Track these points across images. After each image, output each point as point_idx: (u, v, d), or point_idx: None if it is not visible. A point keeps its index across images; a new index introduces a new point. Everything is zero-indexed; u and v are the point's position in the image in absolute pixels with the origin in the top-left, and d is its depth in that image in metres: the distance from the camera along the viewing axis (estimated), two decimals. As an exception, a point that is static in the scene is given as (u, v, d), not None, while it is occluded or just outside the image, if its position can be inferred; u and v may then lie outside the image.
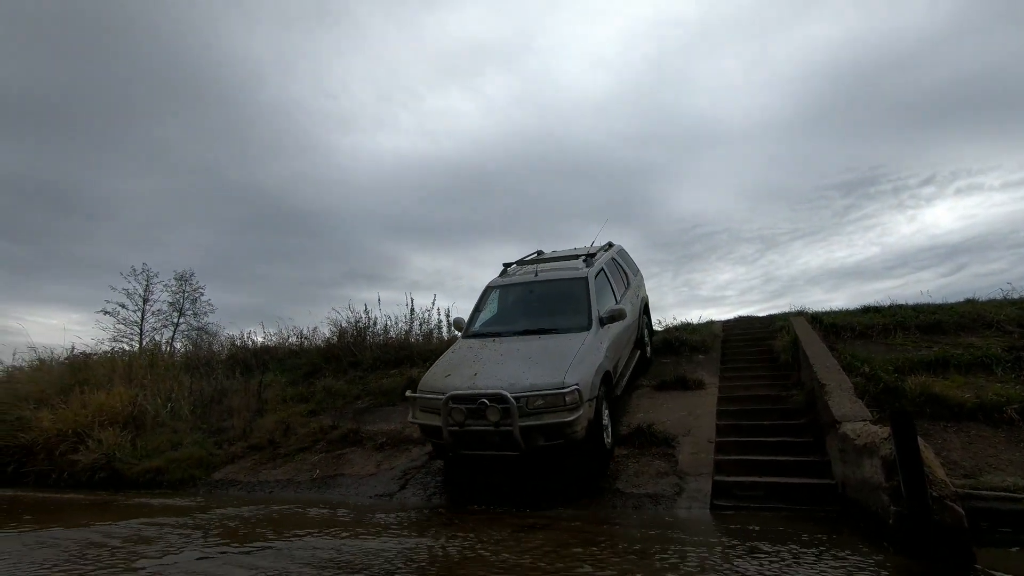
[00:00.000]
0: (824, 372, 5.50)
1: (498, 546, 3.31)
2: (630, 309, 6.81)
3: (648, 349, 8.23)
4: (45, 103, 37.41)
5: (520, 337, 5.84)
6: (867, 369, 5.96)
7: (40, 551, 3.45)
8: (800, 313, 9.58)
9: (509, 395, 4.63)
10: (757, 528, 3.75)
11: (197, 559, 3.16)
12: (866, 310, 9.04)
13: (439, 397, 4.87)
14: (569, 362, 4.97)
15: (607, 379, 5.49)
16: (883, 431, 3.51)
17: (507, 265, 7.28)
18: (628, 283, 7.58)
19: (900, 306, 8.85)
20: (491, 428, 4.71)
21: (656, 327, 11.18)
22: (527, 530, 3.70)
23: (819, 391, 5.16)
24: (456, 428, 4.78)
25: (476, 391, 4.79)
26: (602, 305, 6.05)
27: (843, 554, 3.06)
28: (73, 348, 11.05)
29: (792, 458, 5.02)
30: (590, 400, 4.88)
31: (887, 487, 3.18)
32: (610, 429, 5.52)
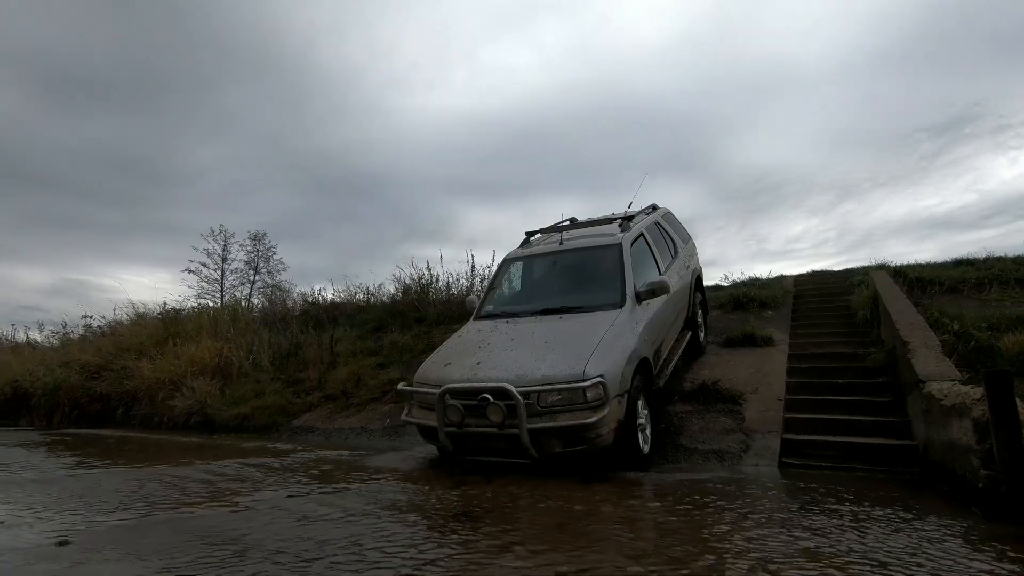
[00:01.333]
0: (907, 329, 5.17)
1: (570, 491, 3.41)
2: (676, 282, 5.79)
3: (703, 332, 6.89)
4: (126, 77, 39.55)
5: (538, 317, 4.96)
6: (957, 326, 5.56)
7: (151, 484, 3.85)
8: (881, 267, 9.01)
9: (514, 389, 3.81)
10: (829, 486, 3.65)
11: (286, 497, 3.44)
12: (958, 263, 8.40)
13: (434, 392, 4.13)
14: (593, 348, 4.08)
15: (645, 368, 4.54)
16: (975, 392, 3.30)
17: (530, 234, 6.20)
18: (675, 252, 6.37)
19: (998, 258, 8.16)
20: (495, 430, 3.92)
21: (722, 282, 10.81)
22: (593, 482, 3.78)
23: (901, 349, 4.87)
24: (454, 429, 4.05)
25: (476, 384, 4.03)
26: (640, 278, 5.05)
27: (926, 516, 2.95)
28: (164, 304, 11.99)
29: (868, 418, 4.82)
30: (620, 396, 4.01)
31: (978, 450, 3.01)
32: (649, 431, 4.55)
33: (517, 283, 6.01)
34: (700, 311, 6.85)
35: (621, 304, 4.74)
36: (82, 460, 5.07)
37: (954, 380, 3.94)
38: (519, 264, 5.98)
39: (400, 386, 4.79)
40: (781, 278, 10.56)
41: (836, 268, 10.87)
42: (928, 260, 9.14)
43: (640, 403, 4.35)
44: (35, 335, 13.62)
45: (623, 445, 4.09)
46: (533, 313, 5.09)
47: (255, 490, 3.65)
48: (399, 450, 5.39)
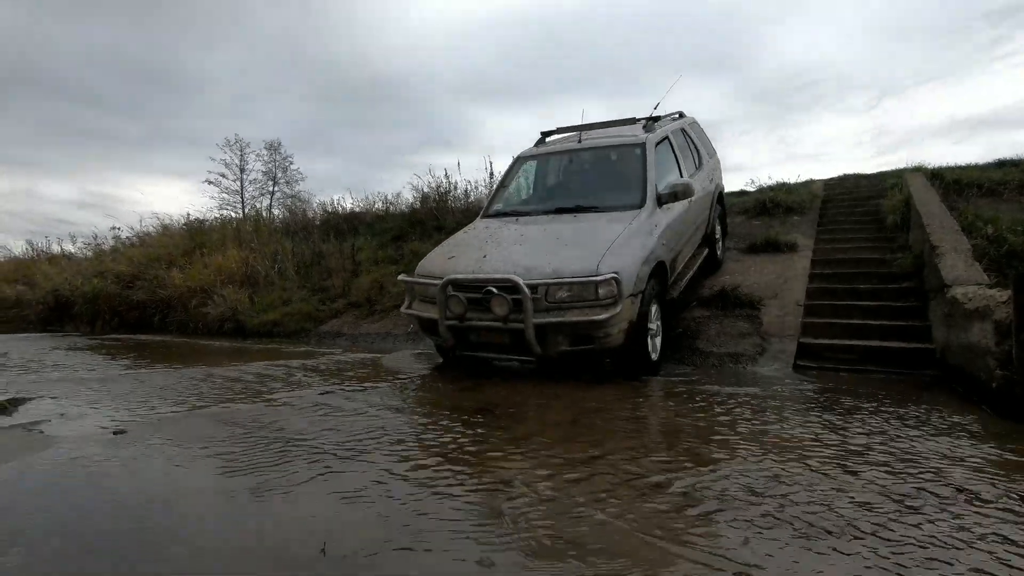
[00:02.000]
0: (938, 232, 5.03)
1: (582, 392, 3.55)
2: (699, 192, 5.46)
3: (720, 246, 6.58)
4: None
5: (551, 216, 4.74)
6: (990, 230, 5.37)
7: (194, 383, 4.11)
8: (918, 169, 8.60)
9: (521, 282, 3.67)
10: (841, 387, 3.75)
11: (320, 394, 3.65)
12: (1000, 164, 7.99)
13: (436, 283, 4.00)
14: (609, 244, 3.91)
15: (660, 273, 4.37)
16: (1001, 295, 3.26)
17: (546, 134, 5.79)
18: (700, 164, 6.02)
19: (1045, 159, 7.70)
20: (498, 324, 3.80)
21: (748, 187, 10.50)
22: (605, 383, 3.91)
23: (929, 253, 4.77)
24: (455, 323, 3.93)
25: (481, 275, 3.89)
26: (663, 181, 4.79)
27: (937, 411, 3.03)
28: (188, 215, 12.15)
29: (888, 322, 4.82)
30: (633, 296, 3.86)
31: (996, 352, 3.02)
32: (660, 339, 4.41)
33: (530, 183, 5.72)
34: (719, 227, 6.60)
35: (641, 205, 4.50)
36: (130, 362, 5.40)
37: (980, 284, 3.88)
38: (533, 163, 5.64)
39: (401, 277, 4.65)
40: (810, 182, 10.18)
41: (870, 171, 10.40)
42: (970, 162, 8.66)
43: (654, 309, 4.24)
44: (68, 247, 14.03)
45: (632, 347, 3.96)
46: (546, 212, 4.84)
47: (290, 388, 3.88)
48: (422, 354, 5.61)
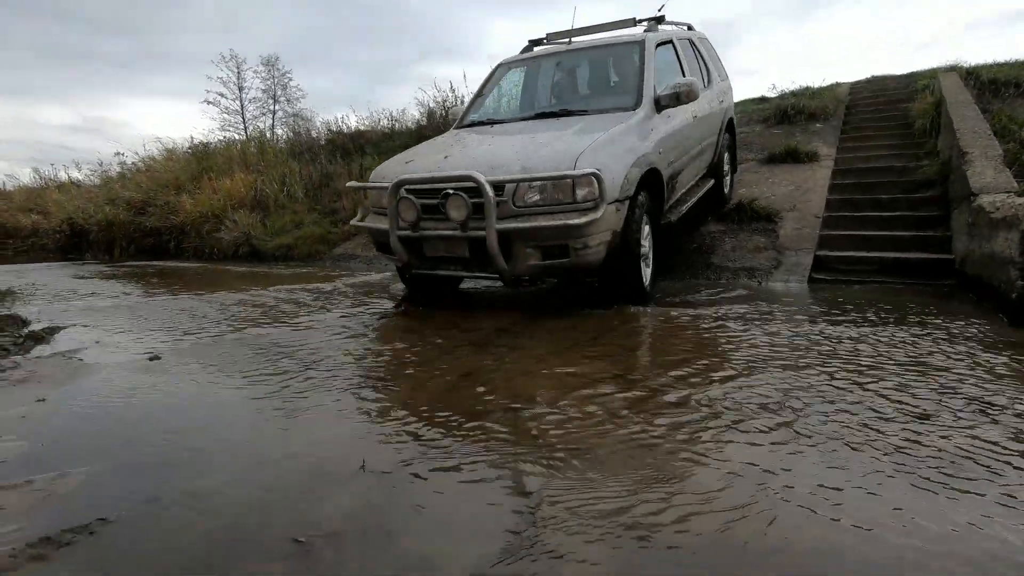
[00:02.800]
0: (968, 137, 4.82)
1: (587, 318, 3.60)
2: (706, 107, 4.94)
3: (728, 181, 5.91)
4: None
5: (532, 122, 4.22)
6: (1025, 133, 5.15)
7: (219, 308, 4.22)
8: (952, 68, 8.10)
9: (483, 179, 3.11)
10: (855, 299, 3.76)
11: (339, 316, 3.74)
12: (1043, 59, 7.47)
13: (387, 186, 3.48)
14: (592, 142, 3.33)
15: (654, 182, 3.75)
16: (1030, 203, 3.17)
17: (534, 42, 5.12)
18: (709, 83, 5.36)
19: (1092, 52, 7.19)
20: (456, 232, 3.27)
21: (768, 93, 10.04)
22: (606, 309, 3.95)
23: (957, 159, 4.60)
24: (407, 232, 3.42)
25: (437, 175, 3.35)
26: (662, 85, 4.12)
27: (952, 319, 3.05)
28: (192, 138, 11.92)
29: (908, 233, 4.76)
30: (619, 202, 3.27)
31: (1019, 262, 2.98)
32: (651, 266, 3.82)
33: (514, 93, 5.21)
34: (728, 157, 5.86)
35: (636, 107, 3.90)
36: (154, 288, 5.53)
37: (1010, 192, 3.77)
38: (518, 71, 5.04)
39: (349, 184, 4.23)
40: (835, 86, 9.67)
41: (900, 74, 9.82)
42: (1012, 59, 8.11)
43: (646, 229, 3.66)
44: (76, 174, 13.94)
45: (617, 266, 3.43)
46: (526, 119, 4.34)
47: (311, 311, 3.98)
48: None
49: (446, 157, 3.62)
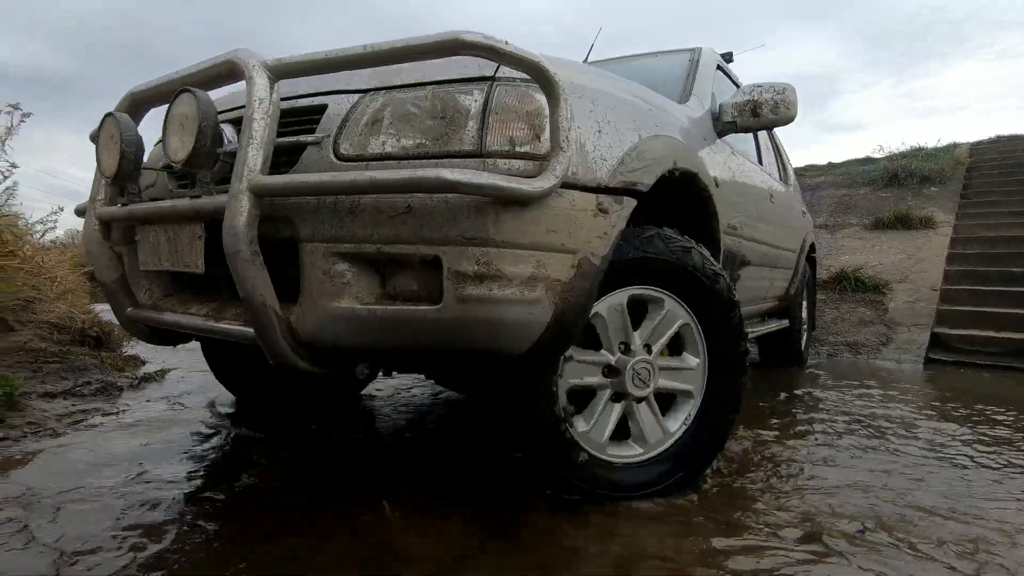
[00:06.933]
0: (1123, 207, 4.22)
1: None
2: (787, 201, 3.42)
3: (804, 339, 3.95)
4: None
5: None
6: None
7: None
8: (1097, 127, 7.25)
9: (254, 63, 1.15)
10: (992, 389, 3.28)
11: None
12: None
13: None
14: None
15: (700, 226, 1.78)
16: None
17: None
18: (786, 179, 3.82)
19: None
20: (182, 190, 1.62)
21: (874, 154, 9.50)
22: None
23: (1110, 232, 4.02)
24: (108, 207, 1.63)
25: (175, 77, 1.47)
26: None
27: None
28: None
29: (1048, 312, 4.17)
30: (606, 192, 1.25)
31: None
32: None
33: None
34: (806, 299, 4.02)
35: (681, 102, 2.17)
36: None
37: None
38: None
39: None
40: (952, 147, 8.95)
41: (1032, 131, 8.94)
42: None
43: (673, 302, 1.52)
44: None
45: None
46: None
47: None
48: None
49: None
